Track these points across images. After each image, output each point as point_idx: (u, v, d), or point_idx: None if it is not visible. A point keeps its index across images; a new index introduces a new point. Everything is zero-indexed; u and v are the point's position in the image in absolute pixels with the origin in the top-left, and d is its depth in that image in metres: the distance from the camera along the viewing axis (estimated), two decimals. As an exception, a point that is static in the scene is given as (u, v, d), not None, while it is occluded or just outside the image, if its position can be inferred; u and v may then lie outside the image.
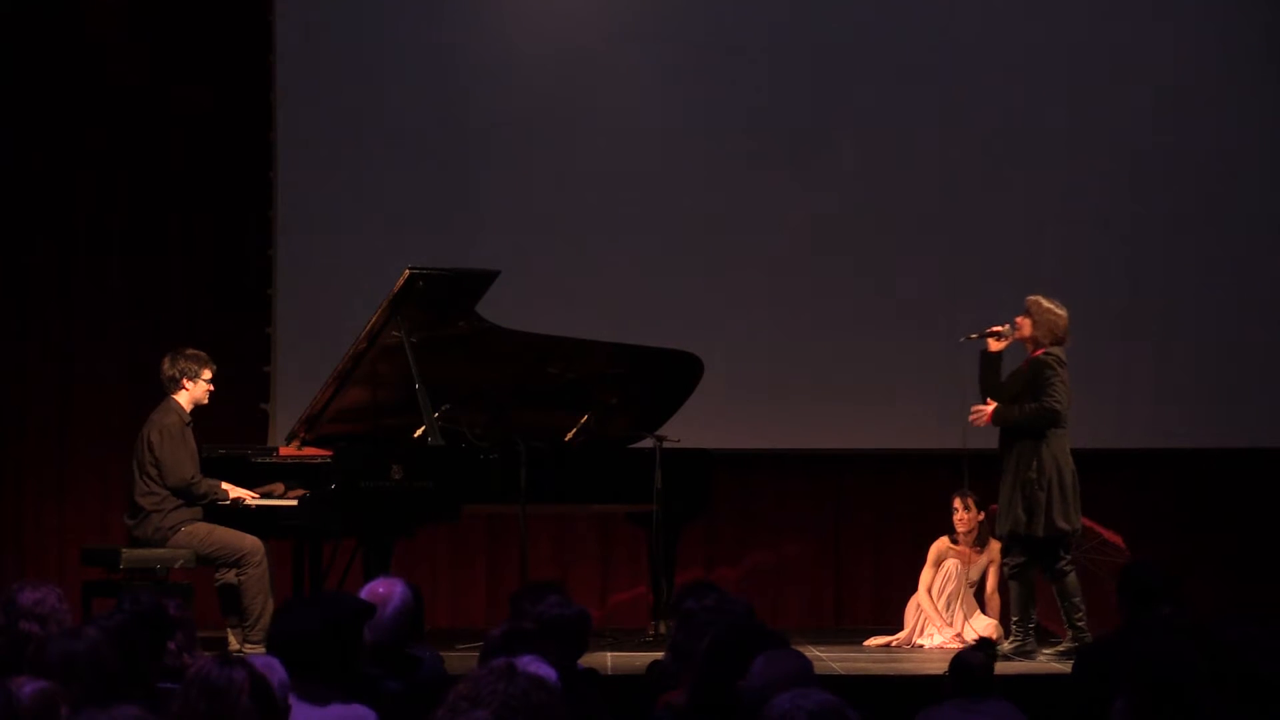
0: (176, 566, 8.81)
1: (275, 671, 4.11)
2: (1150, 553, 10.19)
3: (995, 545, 9.67)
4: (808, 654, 4.68)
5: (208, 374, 9.15)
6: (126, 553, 8.83)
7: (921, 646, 9.56)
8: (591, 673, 5.66)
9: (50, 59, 11.10)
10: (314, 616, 4.55)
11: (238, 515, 8.99)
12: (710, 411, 10.17)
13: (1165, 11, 11.24)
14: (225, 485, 9.03)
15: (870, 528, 11.36)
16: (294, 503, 8.88)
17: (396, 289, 8.80)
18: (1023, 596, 8.89)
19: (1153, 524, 10.98)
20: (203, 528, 8.93)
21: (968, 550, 9.75)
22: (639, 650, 8.96)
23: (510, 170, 11.11)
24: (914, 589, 9.77)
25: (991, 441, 9.13)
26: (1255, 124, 11.21)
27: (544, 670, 4.49)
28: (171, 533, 8.90)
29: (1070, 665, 8.33)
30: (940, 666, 8.50)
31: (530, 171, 11.12)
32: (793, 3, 11.21)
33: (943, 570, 9.64)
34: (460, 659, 7.40)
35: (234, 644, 8.83)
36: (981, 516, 9.69)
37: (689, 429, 9.59)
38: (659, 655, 6.00)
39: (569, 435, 9.58)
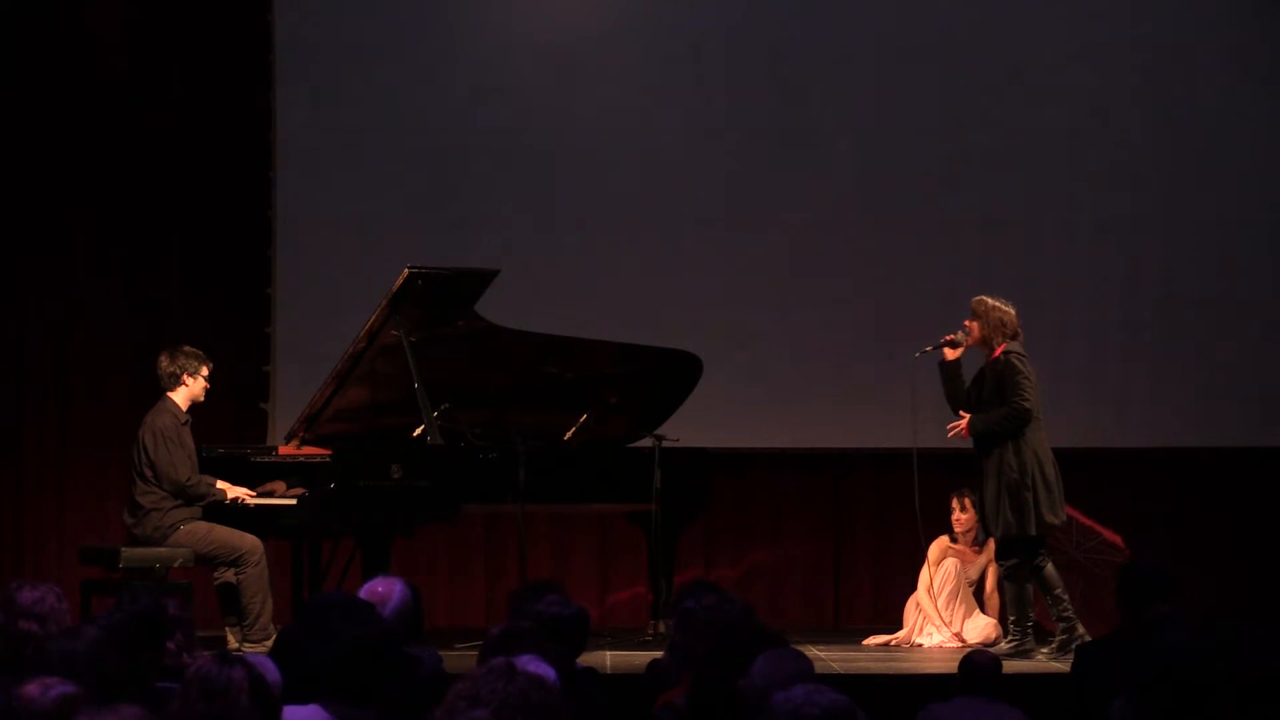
0: (175, 566, 8.81)
1: (268, 673, 4.10)
2: (1149, 552, 10.22)
3: (994, 545, 9.68)
4: (807, 653, 4.68)
5: (206, 371, 9.15)
6: (125, 552, 8.83)
7: (921, 645, 9.56)
8: (591, 672, 5.66)
9: (48, 57, 11.09)
10: (332, 652, 4.45)
11: (237, 514, 8.99)
12: (709, 411, 10.17)
13: (1166, 13, 11.22)
14: (222, 484, 9.03)
15: (870, 527, 11.35)
16: (293, 502, 8.88)
17: (396, 288, 8.80)
18: (1019, 597, 8.89)
19: (1152, 523, 10.98)
20: (202, 527, 8.93)
21: (967, 550, 9.76)
22: (638, 649, 8.96)
23: (509, 170, 11.11)
24: (913, 588, 9.78)
25: (947, 440, 9.12)
26: (1255, 124, 11.20)
27: (543, 669, 4.49)
28: (171, 531, 8.89)
29: (1066, 660, 8.39)
30: (940, 665, 8.54)
31: (529, 171, 11.11)
32: (793, 2, 11.21)
33: (942, 570, 9.64)
34: (459, 658, 7.40)
35: (233, 643, 8.83)
36: (980, 516, 9.70)
37: (688, 428, 9.59)
38: (658, 654, 6.00)
39: (568, 435, 9.58)
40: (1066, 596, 8.90)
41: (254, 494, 9.04)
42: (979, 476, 8.93)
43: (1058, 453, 8.98)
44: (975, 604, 9.69)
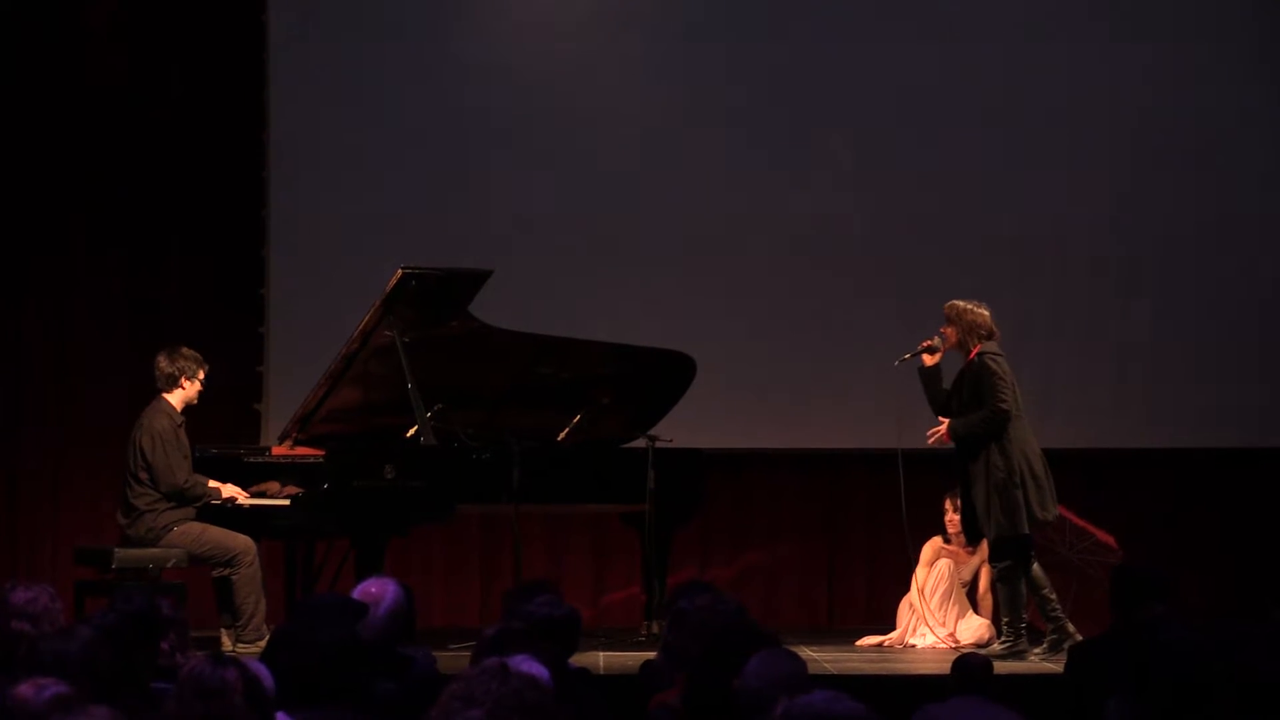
0: (169, 566, 8.80)
1: (262, 679, 4.10)
2: (1143, 553, 10.22)
3: (987, 546, 9.68)
4: (801, 654, 4.68)
5: (203, 375, 9.15)
6: (119, 552, 8.82)
7: (914, 646, 9.56)
8: (585, 672, 5.66)
9: (45, 57, 11.08)
10: (314, 650, 4.45)
11: (230, 515, 8.98)
12: (703, 411, 10.17)
13: (1167, 14, 11.23)
14: (216, 484, 9.02)
15: (863, 528, 11.35)
16: (286, 502, 8.88)
17: (389, 288, 8.79)
18: (1013, 598, 8.89)
19: (1147, 524, 10.98)
20: (195, 527, 8.92)
21: (960, 550, 9.76)
22: (632, 650, 8.96)
23: (503, 170, 11.11)
24: (907, 589, 9.78)
25: (920, 442, 9.14)
26: (1255, 123, 11.21)
27: (536, 669, 4.49)
28: (164, 532, 8.89)
29: (1058, 659, 8.40)
30: (933, 666, 8.53)
31: (524, 171, 11.11)
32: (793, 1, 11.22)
33: (935, 570, 9.64)
34: (453, 659, 7.40)
35: (227, 644, 8.82)
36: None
37: (682, 429, 9.59)
38: (652, 655, 5.99)
39: (561, 435, 9.58)
40: (1054, 596, 8.92)
41: (248, 494, 9.03)
42: (964, 481, 8.93)
43: (1052, 453, 8.99)
44: (968, 605, 9.69)
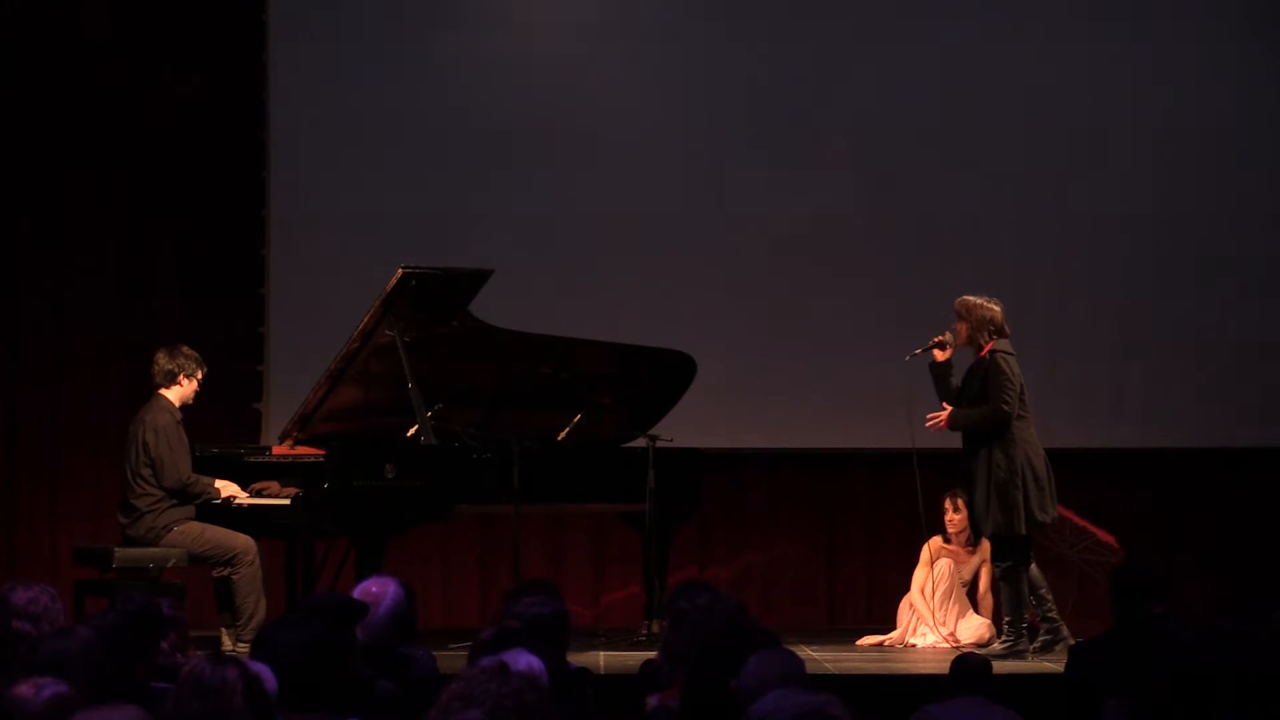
0: (169, 566, 8.80)
1: (264, 680, 4.09)
2: (1143, 553, 10.22)
3: (987, 545, 9.69)
4: (801, 653, 4.68)
5: (201, 375, 9.15)
6: (119, 552, 8.82)
7: (914, 646, 9.57)
8: (584, 672, 5.66)
9: (42, 57, 11.08)
10: (296, 639, 4.46)
11: (230, 514, 8.98)
12: (703, 411, 10.17)
13: (1167, 13, 11.23)
14: (219, 483, 9.02)
15: (863, 528, 11.36)
16: (286, 502, 8.88)
17: (389, 288, 8.80)
18: (1015, 597, 8.89)
19: (1146, 524, 10.99)
20: (195, 527, 8.93)
21: (960, 550, 9.77)
22: (632, 650, 8.97)
23: (503, 169, 11.11)
24: (906, 588, 9.78)
25: (945, 441, 9.14)
26: (1256, 122, 11.20)
27: (531, 661, 4.49)
28: (165, 532, 8.89)
29: (1055, 659, 8.40)
30: (933, 666, 8.54)
31: (524, 170, 11.11)
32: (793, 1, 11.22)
33: (935, 570, 9.65)
34: (453, 658, 7.39)
35: (227, 644, 8.83)
36: (971, 516, 9.71)
37: (682, 428, 9.59)
38: (652, 655, 5.99)
39: (562, 435, 9.58)
40: (1050, 597, 8.92)
41: (248, 493, 9.03)
42: (968, 478, 8.94)
43: (1052, 453, 8.99)
44: (969, 604, 9.69)
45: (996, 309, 8.97)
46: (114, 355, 11.00)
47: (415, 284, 8.82)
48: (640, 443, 9.43)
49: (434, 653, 5.81)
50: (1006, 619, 8.93)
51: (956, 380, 9.08)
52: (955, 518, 9.71)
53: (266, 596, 8.94)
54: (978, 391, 8.89)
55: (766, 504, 11.38)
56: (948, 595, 9.60)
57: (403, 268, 8.81)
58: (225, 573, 8.90)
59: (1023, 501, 8.75)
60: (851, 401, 11.05)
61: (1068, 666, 6.10)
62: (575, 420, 9.57)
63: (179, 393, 9.11)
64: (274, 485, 9.06)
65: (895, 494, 11.17)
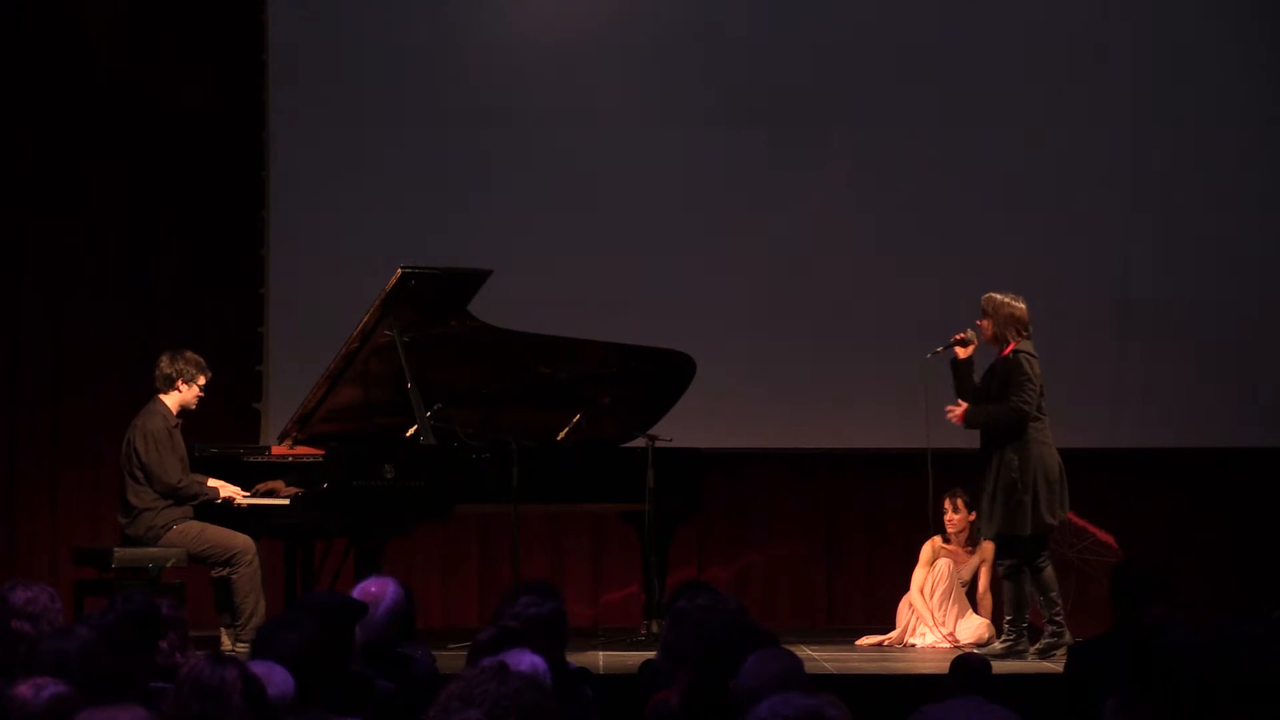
0: (168, 565, 8.80)
1: (275, 682, 4.09)
2: (1143, 552, 10.21)
3: (987, 545, 9.69)
4: (800, 653, 4.69)
5: (203, 381, 9.14)
6: (118, 552, 8.82)
7: (913, 646, 9.57)
8: (584, 672, 5.66)
9: (42, 55, 11.08)
10: (295, 639, 4.45)
11: (229, 514, 8.98)
12: (703, 411, 10.17)
13: (1167, 12, 11.23)
14: (215, 483, 9.02)
15: (862, 527, 11.35)
16: (285, 502, 8.89)
17: (389, 288, 8.80)
18: (1017, 597, 8.89)
19: (1146, 524, 10.99)
20: (194, 526, 8.92)
21: (959, 550, 9.77)
22: (631, 650, 8.97)
23: (504, 169, 11.10)
24: (906, 588, 9.78)
25: (959, 441, 9.14)
26: (1255, 123, 11.20)
27: (534, 661, 4.49)
28: (164, 532, 8.89)
29: (1053, 661, 8.40)
30: (932, 666, 8.53)
31: (524, 171, 11.11)
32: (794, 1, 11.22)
33: (935, 570, 9.65)
34: (452, 658, 7.40)
35: (226, 643, 8.83)
36: (973, 516, 9.70)
37: (681, 428, 9.59)
38: (651, 655, 5.99)
39: (561, 434, 9.58)
40: (1060, 601, 8.90)
41: (246, 493, 9.03)
42: (981, 477, 8.92)
43: (1050, 453, 8.99)
44: (968, 604, 9.69)
45: (1022, 306, 8.94)
46: (114, 356, 10.99)
47: (415, 284, 8.82)
48: (640, 443, 9.43)
49: (433, 653, 5.81)
50: (1008, 618, 8.93)
51: (978, 378, 9.06)
52: (955, 518, 9.71)
53: (266, 596, 8.94)
54: (998, 390, 8.87)
55: (766, 504, 11.38)
56: (947, 595, 9.60)
57: (402, 268, 8.81)
58: (224, 572, 8.90)
59: (1030, 503, 8.74)
60: (851, 401, 11.05)
61: (1067, 666, 6.10)
62: (575, 420, 9.57)
63: (177, 398, 9.10)
64: (280, 485, 9.06)
65: (895, 494, 11.19)
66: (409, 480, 8.73)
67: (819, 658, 8.84)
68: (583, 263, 11.06)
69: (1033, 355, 8.87)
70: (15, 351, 11.12)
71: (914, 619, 9.67)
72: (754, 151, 11.14)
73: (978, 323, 9.01)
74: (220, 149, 11.15)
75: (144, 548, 8.87)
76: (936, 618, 9.57)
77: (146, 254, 11.15)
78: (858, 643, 9.67)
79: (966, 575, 9.76)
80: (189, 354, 9.17)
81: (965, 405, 8.92)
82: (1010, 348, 8.90)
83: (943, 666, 6.83)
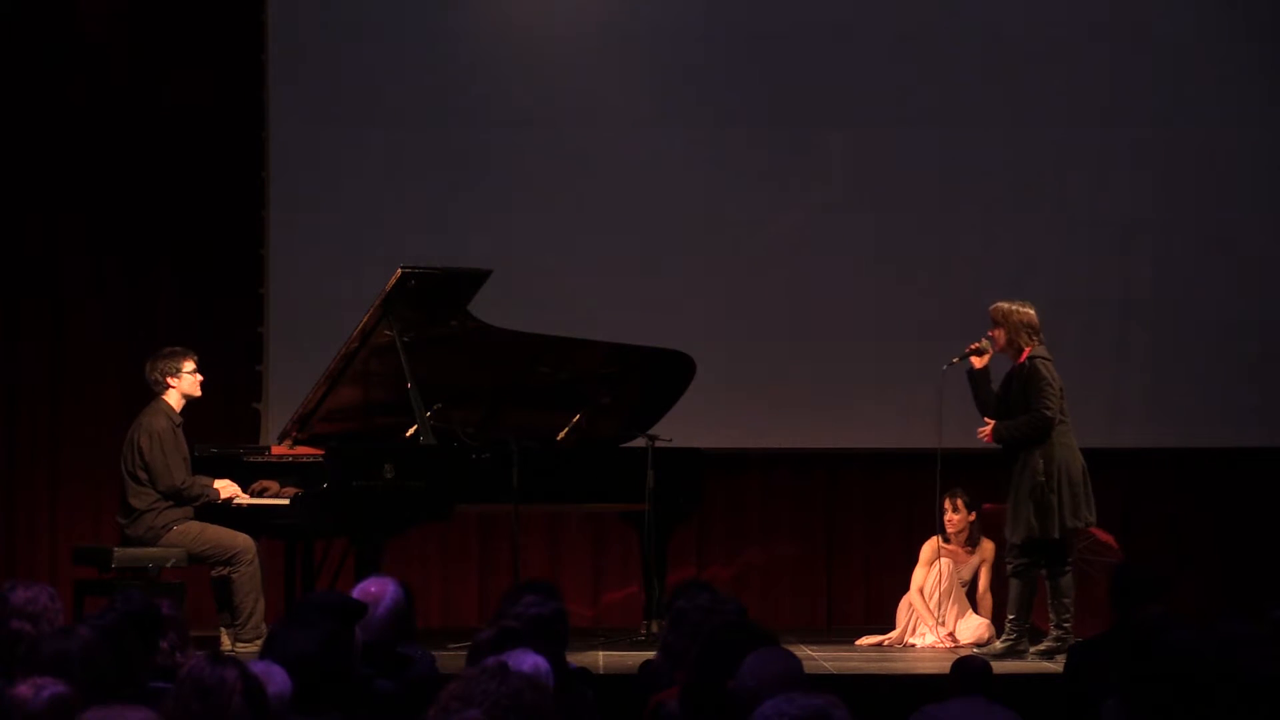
0: (168, 565, 8.80)
1: (274, 681, 4.09)
2: (1143, 553, 10.21)
3: (987, 545, 9.70)
4: (800, 653, 4.69)
5: (189, 365, 9.12)
6: (118, 552, 8.82)
7: (913, 646, 9.57)
8: (584, 672, 5.66)
9: (40, 56, 11.07)
10: (309, 639, 4.45)
11: (230, 514, 8.98)
12: (702, 411, 10.16)
13: (1167, 13, 11.22)
14: (218, 483, 9.02)
15: (862, 527, 11.35)
16: (285, 502, 8.89)
17: (388, 288, 8.80)
18: (1024, 596, 8.89)
19: (1146, 524, 10.98)
20: (194, 526, 8.93)
21: (959, 550, 9.77)
22: (631, 650, 8.97)
23: (503, 169, 11.10)
24: (906, 588, 9.78)
25: (967, 441, 9.15)
26: (1255, 123, 11.19)
27: (537, 661, 4.49)
28: (164, 532, 8.89)
29: (1055, 663, 8.40)
30: (932, 666, 8.54)
31: (523, 171, 11.11)
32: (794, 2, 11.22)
33: (934, 570, 9.65)
34: (452, 658, 7.40)
35: (226, 643, 8.83)
36: (972, 517, 9.71)
37: (681, 428, 9.59)
38: (651, 655, 5.99)
39: (561, 435, 9.58)
40: (1073, 610, 8.88)
41: (247, 493, 9.03)
42: (1007, 482, 8.92)
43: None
44: (968, 604, 9.69)
45: (1031, 311, 8.97)
46: (114, 355, 10.98)
47: (415, 284, 8.82)
48: (639, 443, 9.43)
49: (433, 653, 5.82)
50: (1010, 616, 8.93)
51: (993, 388, 9.06)
52: (955, 518, 9.71)
53: (266, 596, 8.94)
54: (1018, 397, 8.88)
55: (766, 504, 11.37)
56: (947, 595, 9.60)
57: (402, 268, 8.81)
58: (224, 572, 8.90)
59: (1056, 506, 8.75)
60: (851, 401, 11.04)
61: (1066, 666, 6.11)
62: (574, 420, 9.57)
63: (176, 394, 9.10)
64: (274, 485, 9.06)
65: (895, 494, 11.19)
66: (409, 480, 8.73)
67: (819, 658, 8.84)
68: (583, 263, 11.06)
69: (1048, 359, 8.90)
70: (15, 352, 11.11)
71: (914, 619, 9.67)
72: (755, 151, 11.13)
73: (990, 333, 9.02)
74: (220, 149, 11.15)
75: (144, 548, 8.87)
76: (936, 617, 9.57)
77: (147, 254, 11.14)
78: (858, 643, 9.67)
79: (966, 575, 9.76)
80: (165, 350, 9.18)
81: (993, 423, 8.92)
82: (1025, 354, 8.91)
83: (943, 666, 6.85)
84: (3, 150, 11.07)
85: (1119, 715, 4.60)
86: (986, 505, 9.73)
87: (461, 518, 9.98)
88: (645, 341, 9.64)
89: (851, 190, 11.15)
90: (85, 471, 11.00)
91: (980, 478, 9.63)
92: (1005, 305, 8.99)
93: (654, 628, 9.28)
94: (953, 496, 9.70)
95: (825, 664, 8.59)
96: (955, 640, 9.48)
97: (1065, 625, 8.84)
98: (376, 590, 5.52)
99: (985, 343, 9.06)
